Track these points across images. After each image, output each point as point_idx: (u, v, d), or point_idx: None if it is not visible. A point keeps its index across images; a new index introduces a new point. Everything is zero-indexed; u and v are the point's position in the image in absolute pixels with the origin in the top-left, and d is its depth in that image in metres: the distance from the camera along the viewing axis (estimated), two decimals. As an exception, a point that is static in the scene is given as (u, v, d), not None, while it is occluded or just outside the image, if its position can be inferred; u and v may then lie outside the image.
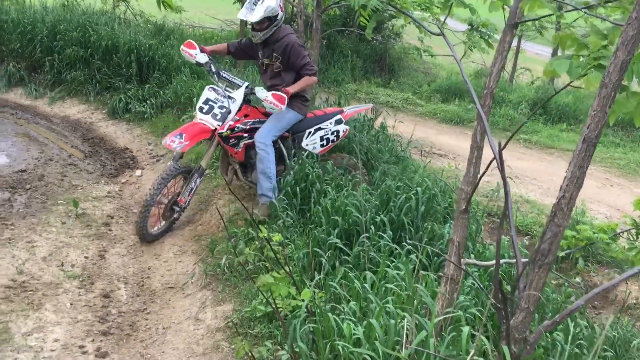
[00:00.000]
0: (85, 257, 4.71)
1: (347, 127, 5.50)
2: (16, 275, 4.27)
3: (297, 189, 4.65)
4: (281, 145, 5.17)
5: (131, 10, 12.76)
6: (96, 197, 5.89)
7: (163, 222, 5.19)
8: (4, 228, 4.94)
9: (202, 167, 5.01)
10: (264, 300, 3.54)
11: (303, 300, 2.73)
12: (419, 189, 4.38)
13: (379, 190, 4.50)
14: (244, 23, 11.42)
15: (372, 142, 5.81)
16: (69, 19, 9.59)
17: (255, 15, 4.77)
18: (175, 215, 5.18)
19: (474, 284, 3.27)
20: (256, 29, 4.94)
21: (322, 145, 5.34)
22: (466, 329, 2.31)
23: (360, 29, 10.73)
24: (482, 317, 2.75)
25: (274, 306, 2.77)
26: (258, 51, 5.21)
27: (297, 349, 2.74)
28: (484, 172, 2.45)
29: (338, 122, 5.40)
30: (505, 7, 2.75)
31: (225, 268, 4.31)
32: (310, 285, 3.12)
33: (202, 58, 5.08)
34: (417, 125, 8.40)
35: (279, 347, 3.22)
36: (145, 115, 8.03)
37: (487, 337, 2.72)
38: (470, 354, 2.19)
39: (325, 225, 4.14)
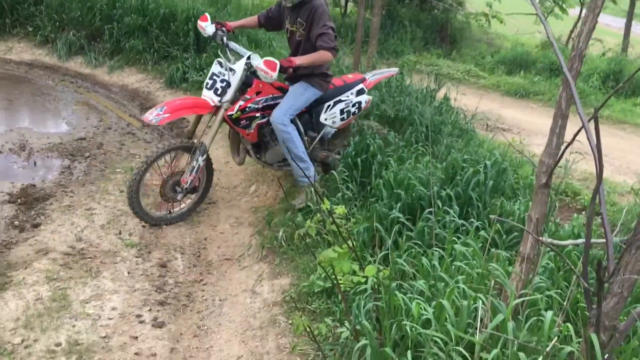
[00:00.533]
0: (143, 226, 4.71)
1: (370, 97, 5.13)
2: (75, 242, 4.31)
3: (358, 160, 4.49)
4: (297, 121, 4.75)
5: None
6: (153, 166, 5.89)
7: (175, 207, 4.82)
8: (63, 195, 5.00)
9: (204, 144, 4.57)
10: (323, 275, 3.44)
11: (366, 277, 2.60)
12: (487, 162, 4.16)
13: (444, 164, 4.31)
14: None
15: (434, 114, 5.58)
16: (130, -14, 9.61)
17: None
18: (189, 199, 4.87)
19: (547, 265, 3.07)
20: None
21: (342, 119, 4.94)
22: (549, 314, 2.13)
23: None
24: (561, 300, 2.56)
25: (335, 282, 2.65)
26: (285, 17, 4.77)
27: (358, 327, 2.62)
28: (570, 143, 2.23)
29: (360, 92, 5.00)
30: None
31: (282, 241, 4.23)
32: (374, 262, 2.98)
33: (210, 29, 4.74)
34: (480, 98, 8.11)
35: (338, 324, 3.11)
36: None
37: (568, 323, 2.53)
38: (552, 341, 2.02)
39: (387, 199, 3.99)
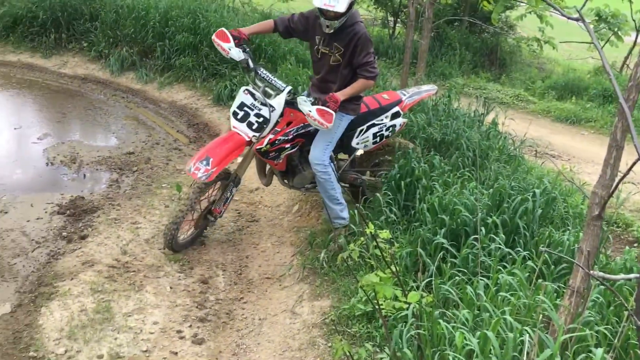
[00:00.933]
0: (186, 242, 4.78)
1: (405, 120, 4.99)
2: (120, 255, 4.41)
3: (402, 183, 4.47)
4: (332, 155, 4.62)
5: (240, -2, 13.01)
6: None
7: (192, 230, 4.68)
8: (110, 208, 5.12)
9: (238, 176, 4.54)
10: (364, 299, 3.42)
11: (409, 303, 2.57)
12: (536, 190, 4.09)
13: (491, 190, 4.25)
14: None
15: (482, 139, 5.52)
16: (181, 6, 9.85)
17: (342, 4, 3.97)
18: (208, 225, 4.79)
19: (597, 298, 2.98)
20: (331, 16, 4.11)
21: (374, 143, 4.82)
22: (599, 351, 2.06)
23: (474, 18, 10.32)
24: (611, 337, 2.48)
25: (377, 307, 2.63)
26: (316, 35, 4.39)
27: (399, 354, 2.58)
28: (625, 175, 2.18)
29: (395, 115, 4.83)
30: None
31: (324, 262, 4.23)
32: (417, 287, 2.95)
33: (237, 54, 4.19)
34: (529, 124, 7.98)
35: (378, 350, 3.09)
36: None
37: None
38: (601, 380, 1.95)
39: (431, 224, 3.96)
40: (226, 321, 3.90)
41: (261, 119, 4.24)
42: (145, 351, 3.47)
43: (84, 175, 5.85)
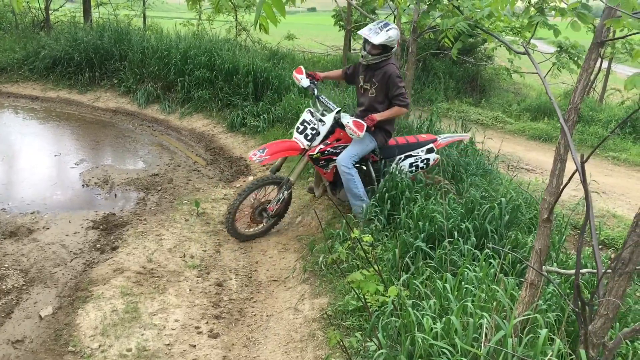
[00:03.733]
0: (204, 250, 4.90)
1: (438, 156, 5.23)
2: (146, 263, 4.51)
3: (387, 195, 4.59)
4: (371, 168, 4.95)
5: (250, 38, 13.24)
6: (214, 199, 6.12)
7: (260, 226, 5.21)
8: (138, 222, 5.25)
9: (290, 180, 4.95)
10: (356, 296, 3.52)
11: (389, 297, 2.69)
12: (503, 199, 4.21)
13: (464, 199, 4.37)
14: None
15: (460, 156, 5.65)
16: (198, 46, 10.07)
17: (377, 38, 4.55)
18: (270, 222, 5.21)
19: (554, 291, 3.09)
20: (369, 51, 4.70)
21: (410, 172, 5.03)
22: (544, 331, 2.18)
23: (450, 50, 10.53)
24: (560, 322, 2.59)
25: (363, 301, 2.75)
26: (359, 74, 4.98)
27: (382, 341, 2.70)
28: (567, 183, 2.31)
29: (430, 150, 5.13)
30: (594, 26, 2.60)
31: (322, 265, 4.33)
32: (397, 284, 3.07)
33: (305, 82, 5.00)
34: (505, 142, 8.09)
35: (367, 339, 3.19)
36: (259, 129, 8.26)
37: (568, 341, 2.56)
38: (548, 356, 2.07)
39: (412, 230, 4.07)
40: (238, 318, 3.99)
41: (314, 132, 4.79)
42: (168, 345, 3.55)
43: (115, 195, 5.99)
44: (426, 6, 5.63)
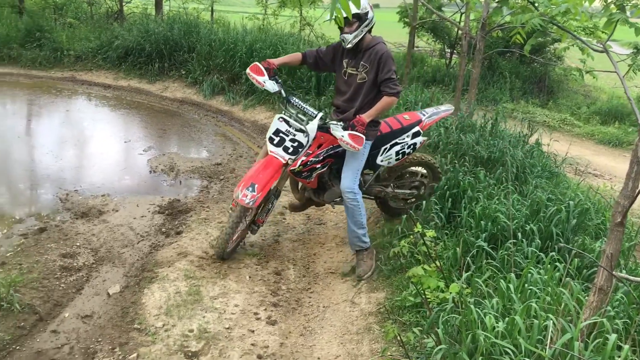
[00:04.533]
0: (263, 240, 4.98)
1: (425, 138, 4.79)
2: (208, 248, 4.63)
3: (447, 194, 4.53)
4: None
5: (314, 32, 13.32)
6: (275, 190, 6.21)
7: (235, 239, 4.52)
8: (201, 209, 5.40)
9: (278, 189, 4.48)
10: (414, 292, 3.51)
11: (450, 293, 2.67)
12: (571, 202, 4.08)
13: (529, 201, 4.26)
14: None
15: (525, 157, 5.51)
16: (264, 39, 10.23)
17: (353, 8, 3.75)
18: (251, 232, 4.65)
19: (622, 298, 2.98)
20: (345, 31, 4.05)
21: (397, 159, 4.65)
22: (613, 337, 2.11)
23: (520, 48, 10.24)
24: (628, 330, 2.50)
25: (423, 296, 2.74)
26: (343, 59, 4.30)
27: (441, 336, 2.68)
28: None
29: (416, 134, 4.65)
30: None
31: (380, 260, 4.33)
32: (458, 282, 3.03)
33: (271, 86, 4.19)
34: (573, 145, 7.84)
35: (425, 336, 3.17)
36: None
37: (634, 351, 2.47)
38: (615, 362, 2.01)
39: (474, 229, 4.01)
40: (295, 307, 4.04)
41: (296, 144, 4.16)
42: (228, 328, 3.64)
43: (180, 182, 6.18)
44: (496, 3, 5.50)
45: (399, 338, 3.04)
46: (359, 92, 4.22)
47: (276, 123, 4.25)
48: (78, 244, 4.56)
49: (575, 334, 2.16)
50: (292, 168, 4.23)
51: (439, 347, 2.30)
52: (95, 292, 3.96)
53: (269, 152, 4.21)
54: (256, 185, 4.05)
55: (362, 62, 4.16)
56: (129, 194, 5.69)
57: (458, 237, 3.99)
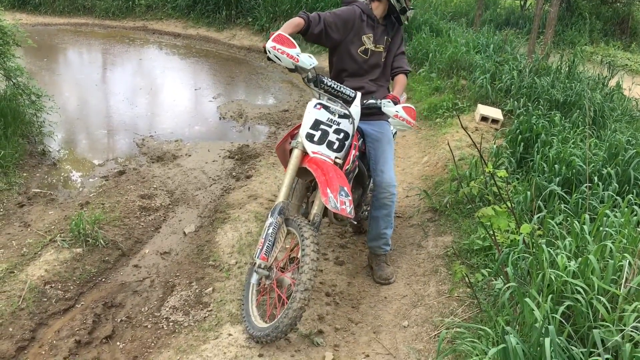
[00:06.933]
0: (331, 184, 5.04)
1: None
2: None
3: (519, 138, 4.41)
4: (361, 162, 3.54)
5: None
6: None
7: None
8: (269, 155, 5.52)
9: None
10: (482, 235, 3.49)
11: (521, 234, 2.64)
12: (652, 144, 3.90)
13: (607, 144, 4.09)
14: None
15: (604, 100, 5.25)
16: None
17: None
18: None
19: None
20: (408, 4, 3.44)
21: None
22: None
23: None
24: None
25: (492, 237, 2.73)
26: (362, 34, 3.48)
27: (510, 275, 2.68)
28: None
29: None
30: None
31: (447, 205, 4.31)
32: (529, 222, 2.99)
33: (308, 60, 3.04)
34: (657, 88, 7.36)
35: (493, 278, 3.17)
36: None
37: None
38: (694, 304, 1.95)
39: (547, 174, 3.91)
40: (362, 249, 4.11)
41: (342, 135, 3.17)
42: (297, 267, 3.78)
43: (249, 128, 6.31)
44: None
45: (466, 279, 3.06)
46: (376, 72, 3.61)
47: (313, 112, 3.17)
48: (155, 186, 4.78)
49: (652, 274, 2.11)
50: (346, 167, 3.20)
51: (508, 284, 2.30)
52: (172, 230, 4.17)
53: (312, 153, 3.09)
54: (345, 188, 2.93)
55: (386, 37, 3.59)
56: (200, 140, 5.87)
57: (530, 181, 3.90)
